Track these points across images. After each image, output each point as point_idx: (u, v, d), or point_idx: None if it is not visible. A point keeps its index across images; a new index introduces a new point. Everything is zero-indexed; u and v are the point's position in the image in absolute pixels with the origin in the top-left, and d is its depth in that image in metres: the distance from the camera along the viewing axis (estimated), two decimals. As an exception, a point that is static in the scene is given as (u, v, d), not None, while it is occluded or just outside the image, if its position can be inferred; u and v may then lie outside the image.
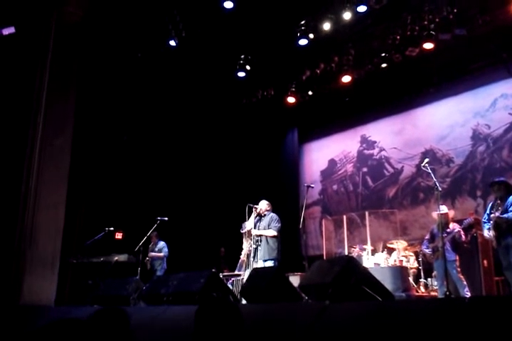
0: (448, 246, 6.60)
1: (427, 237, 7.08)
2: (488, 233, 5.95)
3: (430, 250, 6.86)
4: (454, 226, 6.76)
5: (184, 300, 4.39)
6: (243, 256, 7.78)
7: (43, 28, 7.08)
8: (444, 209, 6.76)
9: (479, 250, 7.05)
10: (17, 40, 7.09)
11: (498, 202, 5.93)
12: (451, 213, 7.01)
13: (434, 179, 6.09)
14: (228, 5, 8.02)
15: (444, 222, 6.68)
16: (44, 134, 6.70)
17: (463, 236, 6.68)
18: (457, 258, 6.66)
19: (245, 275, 7.43)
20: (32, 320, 5.18)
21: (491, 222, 5.90)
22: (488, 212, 6.09)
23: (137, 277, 6.99)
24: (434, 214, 6.87)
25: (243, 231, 7.55)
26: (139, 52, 9.18)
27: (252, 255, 6.92)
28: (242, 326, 2.10)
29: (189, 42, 8.87)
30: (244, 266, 7.80)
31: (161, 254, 8.85)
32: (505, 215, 5.74)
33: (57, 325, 1.70)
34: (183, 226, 10.43)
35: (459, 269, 6.59)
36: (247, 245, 7.72)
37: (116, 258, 7.93)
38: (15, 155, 6.77)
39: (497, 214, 5.82)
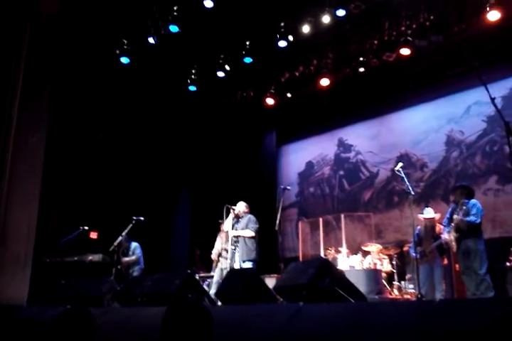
0: (435, 251, 6.66)
1: (414, 240, 7.04)
2: (447, 236, 6.05)
3: (418, 254, 6.54)
4: (440, 231, 6.72)
5: (159, 301, 4.37)
6: (214, 256, 7.70)
7: (18, 22, 6.93)
8: (430, 211, 6.82)
9: (451, 254, 7.18)
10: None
11: (458, 206, 6.01)
12: (437, 216, 6.97)
13: (407, 183, 6.15)
14: (208, 4, 8.01)
15: (430, 225, 6.75)
16: (18, 131, 6.58)
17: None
18: (443, 263, 6.71)
19: (215, 274, 7.42)
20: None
21: (452, 224, 5.99)
22: (448, 215, 6.17)
23: (112, 277, 6.91)
24: (421, 217, 6.94)
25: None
26: (116, 49, 9.09)
27: (229, 256, 6.93)
28: (211, 329, 2.10)
29: (168, 40, 8.83)
30: (214, 265, 7.75)
31: (133, 258, 8.44)
32: (467, 218, 5.83)
33: (12, 324, 1.68)
34: (159, 227, 10.36)
35: (442, 275, 6.63)
36: (219, 244, 7.68)
37: (90, 257, 7.80)
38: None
39: (460, 216, 5.88)
